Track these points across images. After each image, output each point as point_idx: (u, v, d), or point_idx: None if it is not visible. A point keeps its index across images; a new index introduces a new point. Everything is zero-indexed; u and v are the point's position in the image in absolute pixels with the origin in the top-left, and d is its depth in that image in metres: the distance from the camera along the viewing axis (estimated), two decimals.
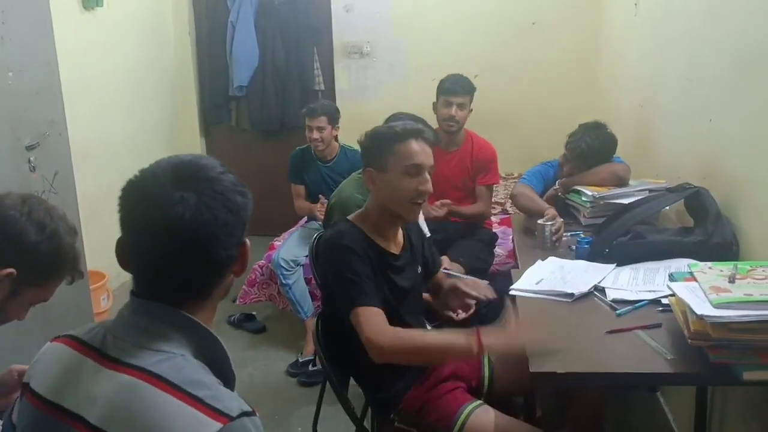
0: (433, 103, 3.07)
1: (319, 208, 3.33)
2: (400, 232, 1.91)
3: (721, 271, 1.53)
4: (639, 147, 3.09)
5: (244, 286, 3.39)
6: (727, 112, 2.07)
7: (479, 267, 2.89)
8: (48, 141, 2.42)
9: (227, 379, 0.98)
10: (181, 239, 0.92)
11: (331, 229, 1.89)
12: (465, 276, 2.40)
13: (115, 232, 0.98)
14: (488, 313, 2.48)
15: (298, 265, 3.21)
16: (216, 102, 4.79)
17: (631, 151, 3.01)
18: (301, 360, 3.11)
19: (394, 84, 4.54)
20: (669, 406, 2.65)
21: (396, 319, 1.75)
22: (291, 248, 3.30)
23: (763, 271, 1.50)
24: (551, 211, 2.46)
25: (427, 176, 1.78)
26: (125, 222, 0.97)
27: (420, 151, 1.77)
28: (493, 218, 3.40)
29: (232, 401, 0.90)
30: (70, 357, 0.99)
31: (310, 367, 3.03)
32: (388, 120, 2.50)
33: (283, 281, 3.16)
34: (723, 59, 2.11)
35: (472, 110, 3.07)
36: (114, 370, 0.93)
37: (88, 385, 0.94)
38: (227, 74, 4.64)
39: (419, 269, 1.96)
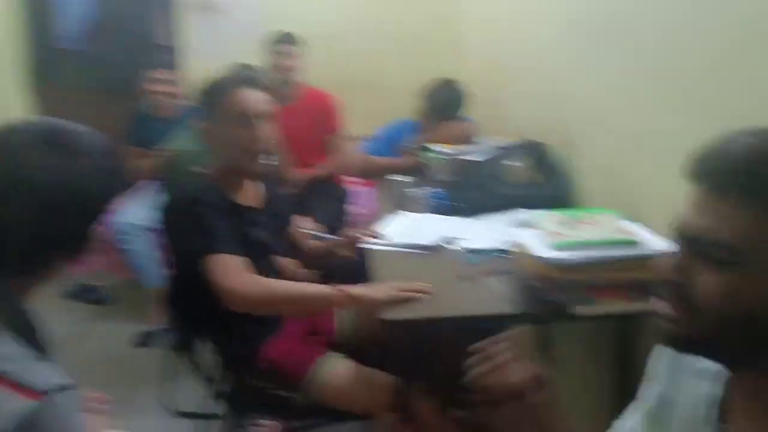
0: (267, 62, 3.03)
1: (157, 164, 3.12)
2: (259, 183, 1.84)
3: (559, 218, 1.63)
4: (490, 107, 3.22)
5: None
6: (570, 77, 2.21)
7: (335, 224, 2.88)
8: None
9: (39, 350, 0.88)
10: (34, 206, 0.84)
11: (179, 185, 1.77)
12: (331, 236, 2.38)
13: None
14: (347, 269, 2.50)
15: (140, 230, 3.00)
16: (42, 56, 4.31)
17: (483, 112, 3.14)
18: (149, 329, 2.94)
19: (247, 43, 4.35)
20: None
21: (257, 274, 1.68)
22: (133, 211, 3.06)
23: (594, 217, 1.62)
24: (409, 160, 2.53)
25: (264, 125, 1.68)
26: None
27: (251, 99, 1.67)
28: (350, 178, 3.40)
29: (43, 374, 0.81)
30: None
31: (160, 334, 2.87)
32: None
33: (123, 246, 2.95)
34: (570, 26, 2.24)
35: (304, 63, 3.06)
36: None
37: None
38: (53, 26, 4.19)
39: (279, 224, 1.90)
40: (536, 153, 2.23)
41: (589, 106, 2.00)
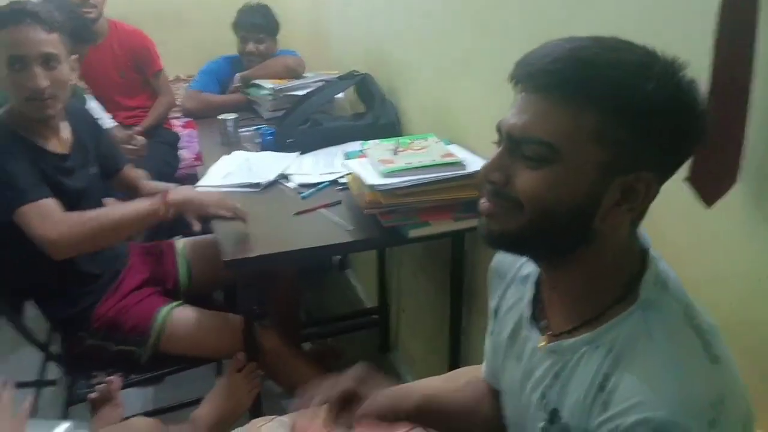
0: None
1: None
2: (66, 128, 1.68)
3: (387, 146, 1.68)
4: (312, 42, 3.18)
5: None
6: (388, 6, 2.23)
7: (166, 171, 2.75)
8: None
9: None
10: None
11: None
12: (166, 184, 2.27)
13: None
14: (177, 220, 2.41)
15: None
16: None
17: (306, 46, 3.09)
18: None
19: None
20: (357, 280, 2.94)
21: None
22: None
23: (420, 142, 1.69)
24: (236, 96, 2.54)
25: (36, 70, 1.51)
26: None
27: (18, 39, 1.51)
28: (176, 121, 3.23)
29: None
30: None
31: None
32: None
33: None
34: None
35: None
36: None
37: None
38: None
39: (95, 169, 1.77)
40: (361, 84, 2.25)
41: (408, 36, 2.05)
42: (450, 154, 1.57)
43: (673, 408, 0.65)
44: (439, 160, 1.55)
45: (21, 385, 1.78)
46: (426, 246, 1.94)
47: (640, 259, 0.77)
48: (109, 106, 2.80)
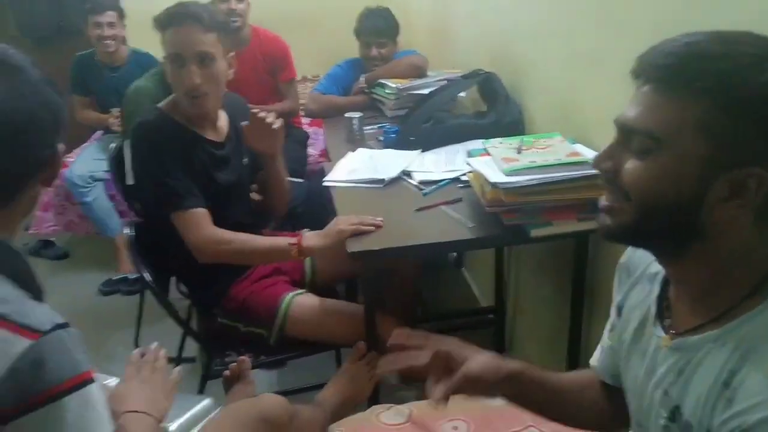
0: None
1: (112, 120, 3.07)
2: (223, 117, 1.83)
3: (510, 144, 1.68)
4: (436, 40, 3.22)
5: (37, 212, 3.07)
6: (514, 3, 2.22)
7: (295, 167, 2.89)
8: None
9: (35, 293, 0.89)
10: None
11: (138, 120, 1.75)
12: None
13: None
14: (305, 213, 2.53)
15: (96, 180, 2.96)
16: None
17: (430, 45, 3.14)
18: (114, 278, 2.94)
19: None
20: (473, 279, 2.95)
21: (221, 217, 1.71)
22: (86, 163, 3.02)
23: (545, 141, 1.68)
24: (361, 97, 2.61)
25: (192, 68, 1.65)
26: None
27: (178, 39, 1.65)
28: (303, 119, 3.39)
29: (42, 315, 0.82)
30: None
31: (130, 276, 2.89)
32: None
33: (81, 199, 2.92)
34: None
35: (249, 4, 2.98)
36: None
37: None
38: None
39: (246, 160, 1.90)
40: (485, 83, 2.25)
41: (535, 33, 2.03)
42: (576, 153, 1.55)
43: None
44: (564, 159, 1.53)
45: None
46: (547, 246, 1.92)
47: None
48: None
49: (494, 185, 1.50)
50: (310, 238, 1.68)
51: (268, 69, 3.03)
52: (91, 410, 0.82)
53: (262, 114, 1.80)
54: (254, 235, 1.78)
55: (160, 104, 1.76)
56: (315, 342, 1.82)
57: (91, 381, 0.82)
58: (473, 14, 2.70)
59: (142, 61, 3.06)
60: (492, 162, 1.60)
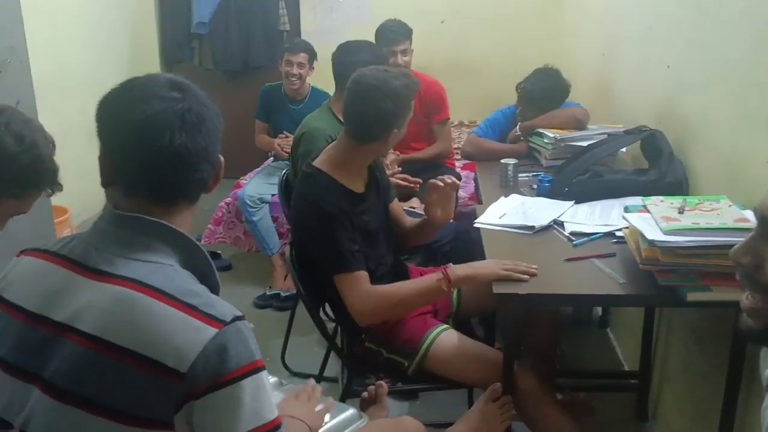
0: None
1: (280, 143, 3.38)
2: (364, 171, 1.94)
3: (672, 203, 1.64)
4: (599, 94, 3.19)
5: (209, 225, 3.41)
6: (683, 59, 2.17)
7: None
8: (9, 69, 2.36)
9: (213, 288, 1.03)
10: (178, 136, 0.95)
11: (301, 180, 1.91)
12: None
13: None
14: (453, 250, 2.59)
15: (263, 203, 3.25)
16: (177, 39, 4.69)
17: (592, 98, 3.11)
18: (268, 294, 3.18)
19: (360, 26, 4.49)
20: (617, 340, 2.83)
21: (373, 263, 1.83)
22: (257, 185, 3.33)
23: (710, 204, 1.61)
24: (518, 144, 2.65)
25: None
26: (108, 134, 0.99)
27: None
28: (456, 162, 3.47)
29: (224, 307, 0.96)
30: (50, 270, 1.00)
31: (282, 293, 3.11)
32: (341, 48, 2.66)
33: (249, 218, 3.21)
34: (682, 7, 2.20)
35: (413, 50, 3.12)
36: (104, 282, 0.95)
37: (77, 297, 0.95)
38: (189, 10, 4.54)
39: (381, 202, 2.00)
40: (648, 140, 2.20)
41: (704, 89, 1.96)
42: (744, 219, 1.48)
43: None
44: (731, 224, 1.47)
45: (307, 376, 2.07)
46: (703, 313, 1.82)
47: None
48: (400, 148, 3.12)
49: (651, 242, 1.47)
50: (457, 268, 1.73)
51: (424, 111, 3.15)
52: (263, 393, 0.94)
53: (448, 181, 1.89)
54: (403, 283, 1.85)
55: (317, 162, 1.87)
56: (451, 379, 1.86)
57: (263, 368, 0.95)
58: (639, 69, 2.65)
59: (320, 99, 3.31)
60: (651, 219, 1.57)
